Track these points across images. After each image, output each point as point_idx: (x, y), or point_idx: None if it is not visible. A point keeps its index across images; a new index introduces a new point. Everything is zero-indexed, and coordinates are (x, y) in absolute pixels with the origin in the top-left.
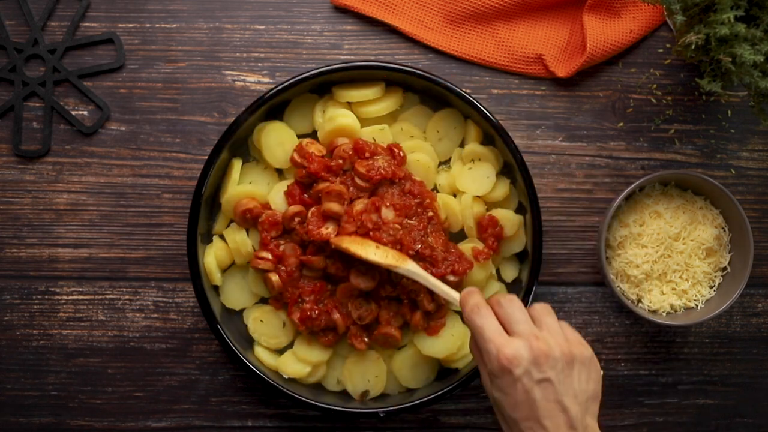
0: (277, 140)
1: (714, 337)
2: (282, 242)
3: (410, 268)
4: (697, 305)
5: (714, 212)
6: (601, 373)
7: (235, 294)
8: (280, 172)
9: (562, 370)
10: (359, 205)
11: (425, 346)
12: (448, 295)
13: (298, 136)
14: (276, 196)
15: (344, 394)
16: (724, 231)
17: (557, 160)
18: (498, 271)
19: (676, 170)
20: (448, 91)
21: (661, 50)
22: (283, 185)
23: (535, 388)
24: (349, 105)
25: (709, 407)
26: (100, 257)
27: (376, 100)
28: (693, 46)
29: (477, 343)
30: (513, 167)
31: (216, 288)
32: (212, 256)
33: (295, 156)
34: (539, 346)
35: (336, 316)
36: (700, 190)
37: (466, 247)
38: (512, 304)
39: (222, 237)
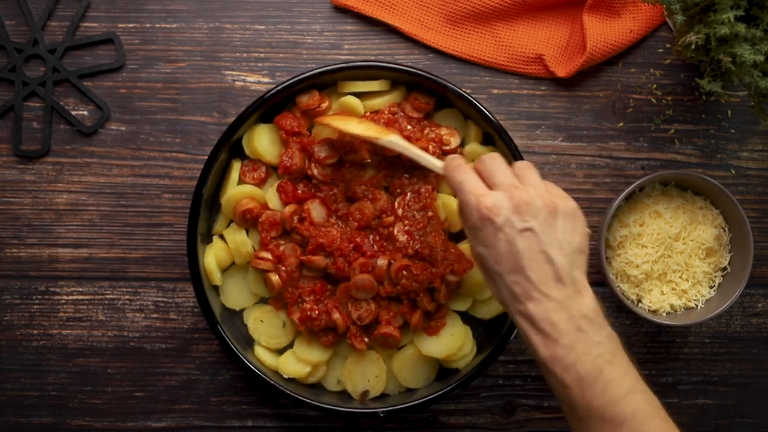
0: (269, 139)
1: (714, 337)
2: (282, 242)
3: (392, 138)
4: (697, 305)
5: (714, 212)
6: (588, 230)
7: (235, 294)
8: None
9: (545, 220)
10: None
11: (425, 346)
12: (432, 165)
13: None
14: (274, 195)
15: (344, 394)
16: (724, 231)
17: (557, 160)
18: None
19: (676, 170)
20: (448, 91)
21: (661, 50)
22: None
23: (517, 238)
24: None
25: (709, 407)
26: (100, 257)
27: (381, 93)
28: (693, 46)
29: (459, 199)
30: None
31: (216, 288)
32: (212, 256)
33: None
34: (519, 195)
35: (336, 316)
36: (700, 190)
37: (466, 247)
38: (493, 159)
39: (222, 237)
